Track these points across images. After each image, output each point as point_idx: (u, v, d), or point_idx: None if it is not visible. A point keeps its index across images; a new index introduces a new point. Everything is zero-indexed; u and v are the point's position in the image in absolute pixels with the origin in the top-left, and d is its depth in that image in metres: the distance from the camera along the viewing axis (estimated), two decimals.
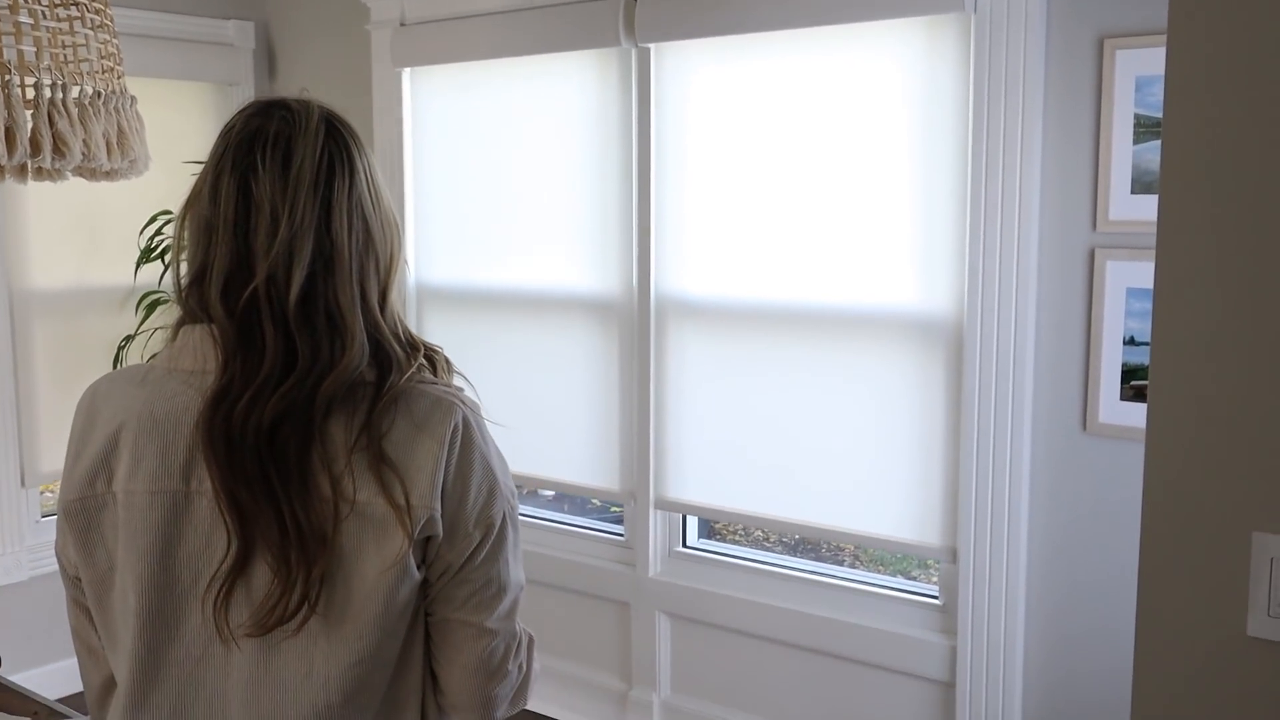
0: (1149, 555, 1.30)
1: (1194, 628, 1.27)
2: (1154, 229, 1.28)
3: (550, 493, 4.05)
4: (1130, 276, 2.65)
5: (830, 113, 3.04)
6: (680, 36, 3.24)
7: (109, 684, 1.32)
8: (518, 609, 1.32)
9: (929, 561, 3.30)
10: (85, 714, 1.79)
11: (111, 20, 1.68)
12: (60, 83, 1.54)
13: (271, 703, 1.21)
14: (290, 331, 1.19)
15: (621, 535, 3.67)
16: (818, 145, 3.07)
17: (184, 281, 1.26)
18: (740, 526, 3.70)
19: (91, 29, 1.62)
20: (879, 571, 3.54)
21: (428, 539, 1.22)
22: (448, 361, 1.33)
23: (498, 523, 1.26)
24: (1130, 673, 1.34)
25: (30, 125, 1.51)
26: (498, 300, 3.73)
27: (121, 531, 1.23)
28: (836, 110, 3.03)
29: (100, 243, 3.93)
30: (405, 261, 1.70)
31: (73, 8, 1.59)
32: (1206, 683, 1.27)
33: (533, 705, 3.57)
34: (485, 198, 3.73)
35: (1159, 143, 1.27)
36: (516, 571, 1.31)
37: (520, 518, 1.36)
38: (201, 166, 1.27)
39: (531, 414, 3.64)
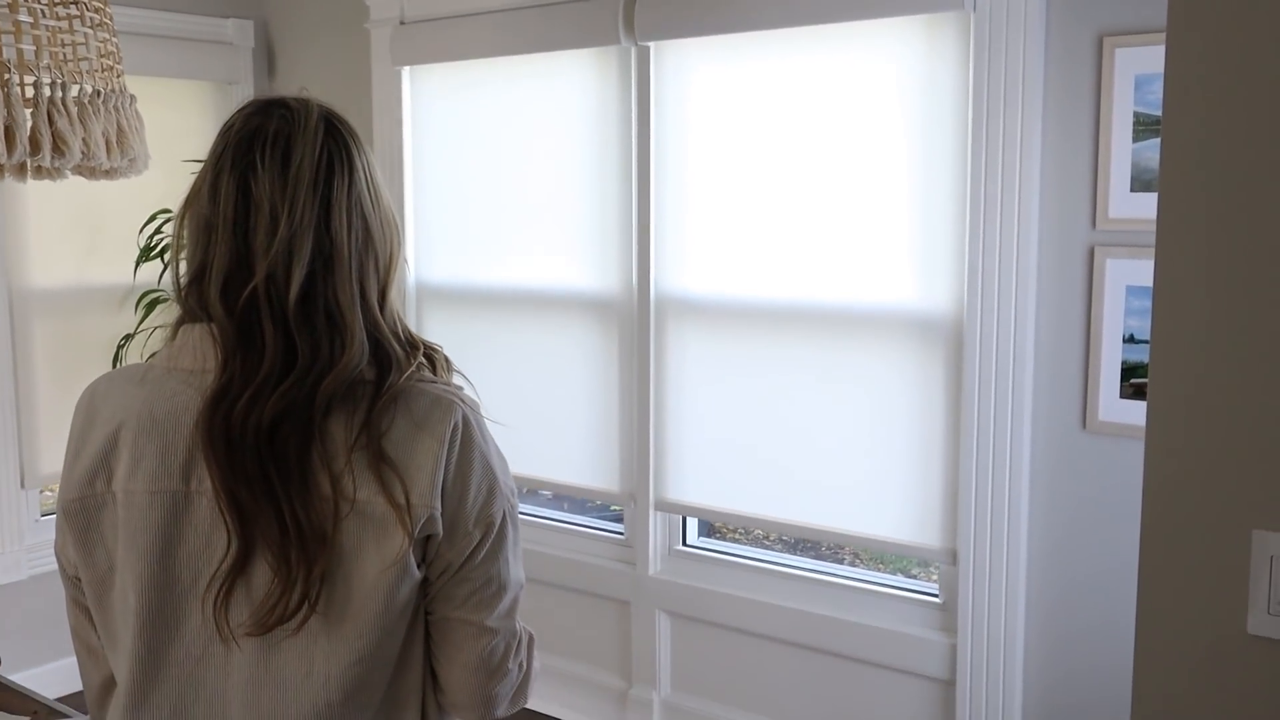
0: (1149, 553, 1.30)
1: (1194, 625, 1.27)
2: (1153, 227, 1.28)
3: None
4: (1130, 274, 2.65)
5: (830, 111, 3.04)
6: (680, 35, 3.24)
7: (109, 684, 1.32)
8: (518, 607, 1.32)
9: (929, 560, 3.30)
10: (85, 713, 1.79)
11: (111, 19, 1.68)
12: (60, 81, 1.54)
13: (272, 702, 1.21)
14: (290, 330, 1.19)
15: (621, 534, 3.67)
16: (818, 143, 3.07)
17: (183, 280, 1.26)
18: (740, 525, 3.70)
19: (91, 27, 1.61)
20: (879, 570, 3.54)
21: (428, 538, 1.22)
22: (447, 360, 1.33)
23: (498, 521, 1.26)
24: (1130, 670, 1.34)
25: (30, 124, 1.51)
26: (497, 299, 3.73)
27: (121, 531, 1.23)
28: (836, 108, 3.03)
29: (100, 241, 3.92)
30: (405, 260, 1.70)
31: (72, 6, 1.58)
32: (1206, 681, 1.27)
33: (533, 704, 3.57)
34: (485, 196, 3.73)
35: (1158, 141, 1.27)
36: (516, 570, 1.31)
37: (520, 516, 1.36)
38: (201, 165, 1.27)
39: (531, 413, 3.64)
